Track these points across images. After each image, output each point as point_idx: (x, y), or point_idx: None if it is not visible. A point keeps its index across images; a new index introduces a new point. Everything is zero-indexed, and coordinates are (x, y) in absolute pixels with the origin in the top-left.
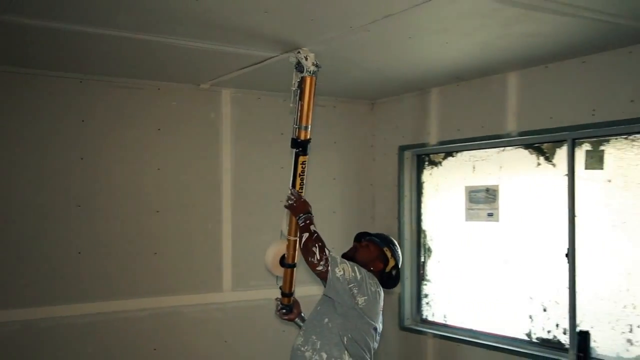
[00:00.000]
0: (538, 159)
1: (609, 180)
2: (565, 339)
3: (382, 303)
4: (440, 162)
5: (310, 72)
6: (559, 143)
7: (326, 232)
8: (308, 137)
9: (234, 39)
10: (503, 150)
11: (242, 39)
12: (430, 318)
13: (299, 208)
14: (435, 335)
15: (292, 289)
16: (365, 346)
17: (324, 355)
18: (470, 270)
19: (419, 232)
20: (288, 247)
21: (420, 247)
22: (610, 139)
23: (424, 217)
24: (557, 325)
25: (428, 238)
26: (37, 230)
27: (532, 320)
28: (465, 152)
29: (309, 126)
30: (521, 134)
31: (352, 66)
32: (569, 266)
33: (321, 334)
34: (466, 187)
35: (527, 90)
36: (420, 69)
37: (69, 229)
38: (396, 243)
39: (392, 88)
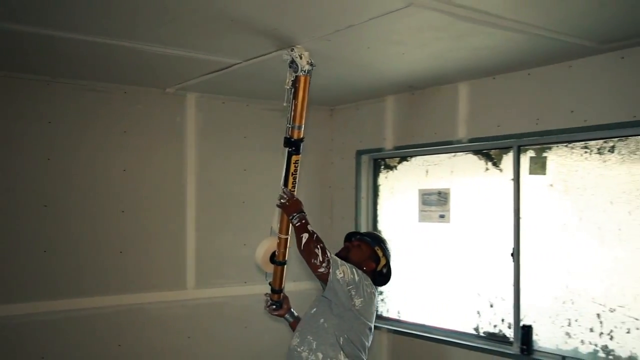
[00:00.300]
0: (486, 164)
1: (551, 185)
2: (510, 333)
3: (376, 303)
4: (395, 166)
5: (305, 72)
6: (505, 150)
7: None
8: (301, 136)
9: (200, 45)
10: (454, 155)
11: (208, 46)
12: (385, 314)
13: (292, 207)
14: (389, 330)
15: (282, 285)
16: (360, 346)
17: (320, 356)
18: (423, 269)
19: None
20: (279, 245)
21: None
22: (552, 146)
23: (379, 218)
24: (502, 320)
25: None
26: (4, 229)
27: (479, 315)
28: (419, 157)
29: (303, 125)
30: (471, 140)
31: (313, 73)
32: (514, 265)
33: (317, 334)
34: (419, 190)
35: (476, 99)
36: (377, 78)
37: (36, 228)
38: (386, 241)
39: (351, 95)
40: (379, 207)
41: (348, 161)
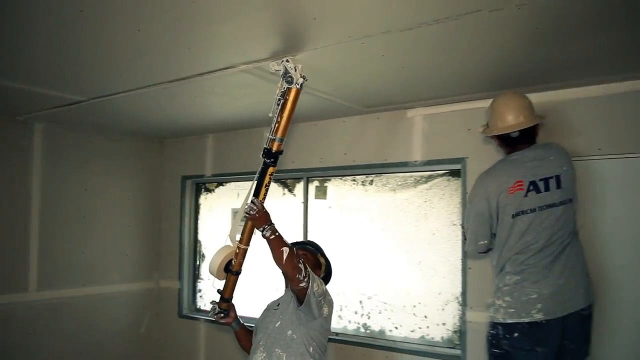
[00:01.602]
0: (284, 190)
1: (330, 207)
2: None
3: None
4: (213, 190)
5: (298, 85)
6: (297, 179)
7: (123, 241)
8: (281, 149)
9: (49, 82)
10: None
11: (56, 83)
12: (202, 307)
13: (261, 219)
14: (206, 321)
15: (232, 295)
16: (324, 349)
17: None
18: None
19: (196, 242)
20: (238, 255)
21: (196, 254)
22: (331, 178)
23: (200, 231)
24: None
25: (202, 247)
26: None
27: None
28: (232, 183)
29: (284, 139)
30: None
31: (147, 112)
32: None
33: (286, 346)
34: (232, 209)
35: None
36: (201, 119)
37: None
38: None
39: (179, 131)
40: (199, 222)
41: (175, 184)
